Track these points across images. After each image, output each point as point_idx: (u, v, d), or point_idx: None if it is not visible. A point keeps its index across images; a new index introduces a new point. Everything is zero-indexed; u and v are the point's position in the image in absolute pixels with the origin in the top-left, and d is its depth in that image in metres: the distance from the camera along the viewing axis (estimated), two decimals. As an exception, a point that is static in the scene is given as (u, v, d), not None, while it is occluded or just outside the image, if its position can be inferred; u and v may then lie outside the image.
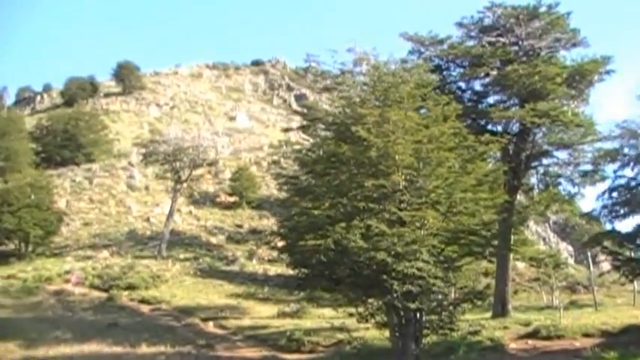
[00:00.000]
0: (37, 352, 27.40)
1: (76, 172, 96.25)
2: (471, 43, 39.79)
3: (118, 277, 52.62)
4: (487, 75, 38.35)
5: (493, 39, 38.53)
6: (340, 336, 31.69)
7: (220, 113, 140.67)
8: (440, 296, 25.33)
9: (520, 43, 38.85)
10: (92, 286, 51.94)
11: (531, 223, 67.33)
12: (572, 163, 39.92)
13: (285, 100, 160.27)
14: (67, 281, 52.43)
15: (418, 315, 24.45)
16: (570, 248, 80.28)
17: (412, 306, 23.00)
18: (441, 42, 39.30)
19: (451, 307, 25.88)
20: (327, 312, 38.88)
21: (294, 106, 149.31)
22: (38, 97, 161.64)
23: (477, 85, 40.13)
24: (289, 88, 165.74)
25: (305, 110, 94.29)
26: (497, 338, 28.80)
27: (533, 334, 30.36)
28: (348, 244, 22.92)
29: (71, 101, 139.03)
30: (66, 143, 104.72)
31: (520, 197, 41.59)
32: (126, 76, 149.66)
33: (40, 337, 31.91)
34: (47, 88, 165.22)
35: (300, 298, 45.65)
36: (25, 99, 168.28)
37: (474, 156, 26.05)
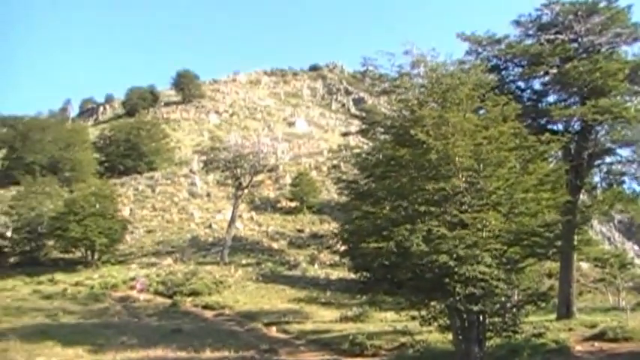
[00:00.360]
0: (104, 356, 27.87)
1: (139, 180, 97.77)
2: (529, 41, 39.27)
3: (182, 284, 53.27)
4: (546, 73, 37.80)
5: (552, 36, 37.95)
6: (403, 339, 31.54)
7: (279, 119, 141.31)
8: (503, 298, 25.05)
9: (579, 39, 38.21)
10: (156, 293, 52.70)
11: (595, 223, 66.30)
12: (636, 160, 39.19)
13: (343, 105, 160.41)
14: (132, 288, 53.26)
15: (481, 317, 24.26)
16: (636, 248, 78.84)
17: (475, 308, 22.82)
18: (499, 41, 38.88)
19: (514, 310, 25.63)
20: (390, 315, 38.81)
21: (353, 110, 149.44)
22: (101, 108, 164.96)
23: (537, 84, 39.57)
24: (347, 92, 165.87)
25: (363, 114, 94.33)
26: (562, 340, 28.34)
27: (600, 336, 29.78)
28: (410, 247, 22.83)
29: (132, 111, 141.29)
30: (128, 152, 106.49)
31: (583, 197, 40.86)
32: (185, 85, 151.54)
33: (107, 343, 32.44)
34: (109, 99, 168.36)
35: (363, 302, 45.60)
36: (88, 110, 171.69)
37: (534, 156, 25.71)
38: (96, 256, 66.17)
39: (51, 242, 70.15)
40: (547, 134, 27.75)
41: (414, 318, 27.16)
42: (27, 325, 38.42)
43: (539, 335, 27.22)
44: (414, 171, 24.96)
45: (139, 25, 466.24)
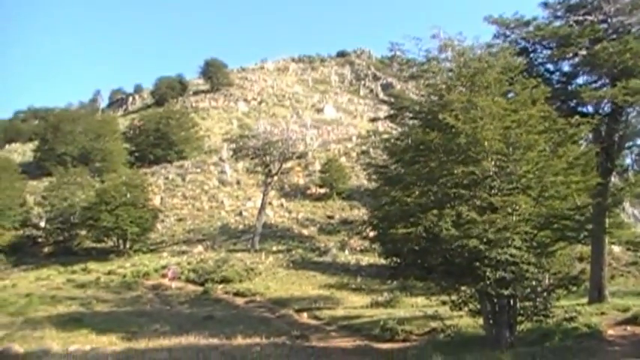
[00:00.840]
0: (137, 344, 28.06)
1: (169, 169, 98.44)
2: (557, 23, 38.70)
3: (213, 271, 53.63)
4: (576, 55, 37.27)
5: (581, 17, 37.40)
6: (433, 324, 31.48)
7: (308, 106, 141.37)
8: (533, 282, 24.89)
9: (609, 20, 37.59)
10: (188, 280, 53.14)
11: (627, 206, 65.45)
12: (668, 141, 38.67)
13: (371, 90, 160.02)
14: (164, 276, 53.73)
15: (512, 302, 24.15)
16: (669, 230, 77.93)
17: (505, 293, 22.72)
18: (527, 24, 38.40)
19: (545, 294, 25.46)
20: (420, 300, 38.81)
21: (381, 95, 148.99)
22: (130, 99, 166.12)
23: (566, 66, 39.00)
24: (375, 78, 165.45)
25: (392, 99, 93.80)
26: (594, 325, 28.05)
27: (633, 320, 29.39)
28: (440, 232, 22.78)
29: (161, 101, 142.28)
30: (158, 142, 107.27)
31: (614, 179, 40.35)
32: (213, 74, 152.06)
33: (140, 330, 32.74)
34: (138, 89, 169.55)
35: (393, 288, 45.65)
36: (117, 101, 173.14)
37: (564, 139, 25.45)
38: (128, 245, 66.83)
39: (83, 232, 71.08)
40: (577, 117, 27.44)
41: (444, 303, 27.13)
42: (62, 313, 38.95)
43: (571, 319, 26.93)
44: (443, 155, 24.83)
45: (167, 14, 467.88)
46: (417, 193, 25.67)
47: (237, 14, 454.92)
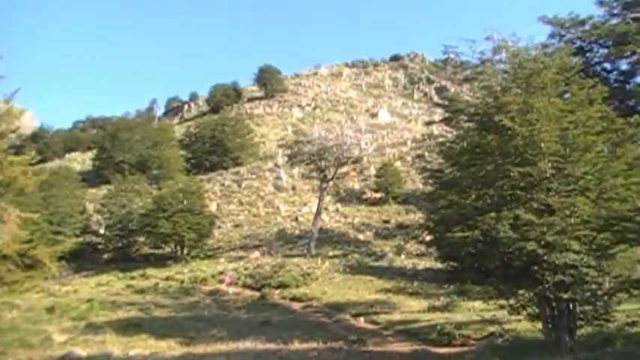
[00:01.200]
0: (195, 349, 28.30)
1: (225, 176, 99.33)
2: (614, 21, 38.11)
3: (270, 276, 53.81)
4: (634, 53, 36.65)
5: (638, 14, 36.86)
6: (491, 329, 31.19)
7: (362, 110, 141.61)
8: (593, 286, 24.44)
9: (667, 17, 36.99)
10: (245, 286, 53.41)
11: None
12: None
13: (425, 94, 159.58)
14: (221, 282, 54.10)
15: (571, 306, 23.76)
16: None
17: (565, 296, 22.37)
18: (583, 23, 37.91)
19: (606, 297, 25.03)
20: (478, 304, 38.44)
21: (435, 98, 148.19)
22: (186, 106, 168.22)
23: (623, 65, 38.35)
24: (429, 81, 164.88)
25: (446, 102, 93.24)
26: (657, 329, 27.56)
27: (696, 325, 28.88)
28: (497, 235, 22.58)
29: (217, 108, 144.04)
30: (214, 149, 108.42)
31: (678, 181, 39.56)
32: (268, 80, 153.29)
33: (198, 335, 32.97)
34: (194, 97, 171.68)
35: (450, 292, 45.29)
36: (173, 109, 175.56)
37: (623, 139, 25.00)
38: (185, 251, 67.54)
39: (142, 238, 72.12)
40: (636, 116, 26.96)
41: (502, 307, 26.81)
42: (122, 318, 39.40)
43: (633, 324, 26.45)
44: (500, 158, 24.61)
45: (221, 22, 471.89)
46: (473, 196, 25.50)
47: (291, 21, 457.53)
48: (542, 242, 21.85)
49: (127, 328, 34.66)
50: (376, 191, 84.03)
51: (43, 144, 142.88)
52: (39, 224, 52.76)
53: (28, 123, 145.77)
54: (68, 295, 50.96)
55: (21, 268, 28.23)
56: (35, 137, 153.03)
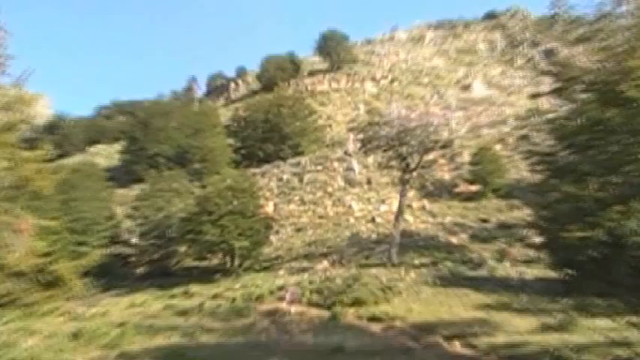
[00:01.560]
0: (252, 383, 28.63)
1: (283, 168, 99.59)
2: None
3: (341, 291, 53.70)
4: None
5: None
6: (620, 352, 30.91)
7: (451, 82, 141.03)
8: None
9: None
10: (310, 304, 53.39)
11: None
12: None
13: (529, 59, 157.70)
14: (281, 299, 54.14)
15: None
16: None
17: None
18: None
19: None
20: (603, 323, 38.02)
21: (542, 65, 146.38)
22: (232, 85, 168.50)
23: None
24: (534, 44, 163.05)
25: (556, 69, 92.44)
26: None
27: None
28: (625, 234, 22.32)
29: (270, 85, 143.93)
30: (268, 135, 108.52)
31: None
32: (332, 49, 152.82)
33: (254, 366, 33.33)
34: (241, 73, 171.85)
35: (567, 307, 44.84)
36: (217, 88, 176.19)
37: None
38: (236, 263, 67.89)
39: (183, 248, 72.62)
40: None
41: (633, 325, 26.56)
42: (161, 346, 40.03)
43: None
44: (626, 136, 24.32)
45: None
46: (594, 185, 25.23)
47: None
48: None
49: (168, 357, 35.17)
50: (471, 183, 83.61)
51: (61, 136, 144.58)
52: (59, 233, 53.57)
53: (43, 111, 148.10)
54: (96, 319, 51.80)
55: (39, 287, 28.73)
56: (51, 128, 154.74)
